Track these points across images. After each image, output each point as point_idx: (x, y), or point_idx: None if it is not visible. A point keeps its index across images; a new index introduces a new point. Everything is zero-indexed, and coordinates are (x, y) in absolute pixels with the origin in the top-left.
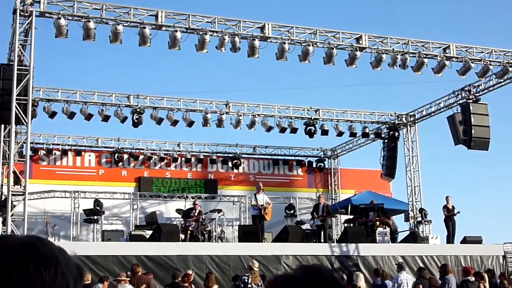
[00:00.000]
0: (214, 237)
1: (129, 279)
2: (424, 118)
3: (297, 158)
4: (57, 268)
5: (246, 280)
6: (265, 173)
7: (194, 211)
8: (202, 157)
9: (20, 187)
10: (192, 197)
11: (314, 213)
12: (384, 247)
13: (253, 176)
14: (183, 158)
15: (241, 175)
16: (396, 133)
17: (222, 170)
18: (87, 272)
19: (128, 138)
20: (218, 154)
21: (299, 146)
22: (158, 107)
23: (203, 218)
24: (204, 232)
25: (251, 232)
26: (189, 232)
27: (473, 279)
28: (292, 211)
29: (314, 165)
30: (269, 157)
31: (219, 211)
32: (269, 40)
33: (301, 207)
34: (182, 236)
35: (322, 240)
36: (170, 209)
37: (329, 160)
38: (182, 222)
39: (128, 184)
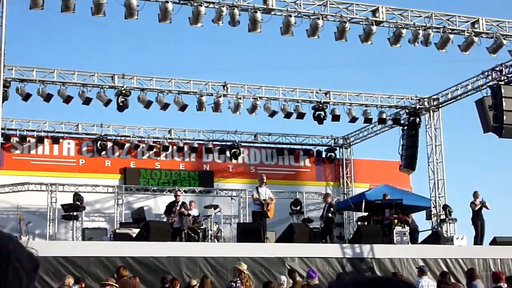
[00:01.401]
0: (209, 236)
1: (116, 285)
2: (449, 102)
3: (304, 147)
4: (8, 265)
5: (235, 286)
6: (267, 164)
7: (176, 203)
8: (196, 145)
9: None
10: (182, 190)
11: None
12: (402, 248)
13: (254, 167)
14: (174, 147)
15: (241, 166)
16: (417, 119)
17: (219, 160)
18: (69, 276)
19: (112, 124)
20: (214, 142)
21: (307, 133)
22: (146, 88)
23: (187, 213)
24: (199, 231)
25: (251, 231)
26: (183, 232)
27: (505, 285)
28: (298, 207)
29: (323, 155)
30: (273, 145)
31: (216, 207)
32: (272, 13)
33: (308, 202)
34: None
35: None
36: (159, 205)
37: (341, 149)
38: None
39: (112, 175)
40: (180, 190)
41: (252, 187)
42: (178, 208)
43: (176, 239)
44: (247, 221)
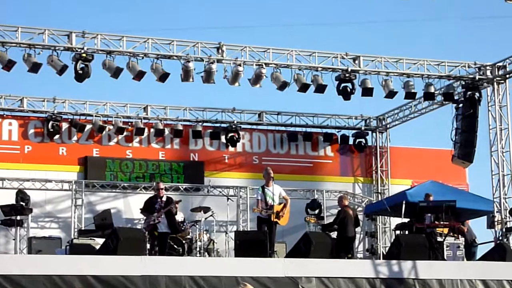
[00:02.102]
0: (198, 249)
1: None
2: None
3: (325, 130)
4: None
5: None
6: (276, 153)
7: (158, 199)
8: (180, 127)
9: None
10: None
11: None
12: (455, 266)
13: (258, 157)
14: (152, 130)
15: (240, 155)
16: (477, 94)
17: (211, 148)
18: None
19: (69, 99)
20: (205, 124)
21: (329, 112)
22: (114, 51)
23: (175, 209)
24: (184, 242)
25: (254, 242)
26: (155, 233)
27: None
28: (316, 211)
29: (350, 142)
30: (283, 128)
31: (206, 209)
32: None
33: (330, 205)
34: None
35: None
36: (132, 206)
37: (374, 134)
38: (143, 222)
39: (68, 167)
40: (162, 182)
41: (255, 183)
42: (163, 204)
43: (164, 249)
44: (249, 229)
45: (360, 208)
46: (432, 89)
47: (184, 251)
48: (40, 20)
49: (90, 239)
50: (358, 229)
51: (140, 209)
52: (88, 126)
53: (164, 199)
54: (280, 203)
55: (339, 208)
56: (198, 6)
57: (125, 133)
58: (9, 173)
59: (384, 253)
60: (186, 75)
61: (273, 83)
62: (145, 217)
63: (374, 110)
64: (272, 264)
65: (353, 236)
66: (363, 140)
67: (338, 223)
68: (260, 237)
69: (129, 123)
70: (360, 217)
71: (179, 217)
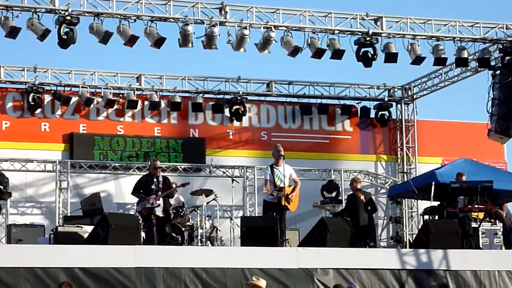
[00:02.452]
0: (199, 237)
1: None
2: None
3: (343, 102)
4: None
5: None
6: (287, 127)
7: (154, 179)
8: (178, 100)
9: None
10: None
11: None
12: (493, 256)
13: (267, 133)
14: (146, 102)
15: (247, 131)
16: None
17: (214, 122)
18: None
19: (52, 68)
20: (206, 96)
21: (347, 81)
22: (102, 13)
23: (174, 189)
24: (183, 229)
25: (263, 229)
26: (153, 219)
27: None
28: (334, 194)
29: (372, 115)
30: (295, 100)
31: (209, 192)
32: None
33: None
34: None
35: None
36: (124, 189)
37: (399, 106)
38: (136, 210)
39: (52, 146)
40: (158, 161)
41: (263, 163)
42: (160, 185)
43: (164, 237)
44: (256, 215)
45: (383, 190)
46: (465, 54)
47: (183, 240)
48: None
49: (77, 226)
50: (381, 214)
51: (133, 189)
52: (74, 99)
53: (161, 179)
54: (289, 186)
55: (349, 193)
56: None
57: (115, 106)
58: None
59: (411, 241)
60: (185, 40)
61: (283, 49)
62: (138, 199)
63: (398, 78)
64: (283, 254)
65: (366, 224)
66: (387, 113)
67: (348, 210)
68: (270, 223)
69: (120, 95)
70: (383, 200)
71: (177, 201)
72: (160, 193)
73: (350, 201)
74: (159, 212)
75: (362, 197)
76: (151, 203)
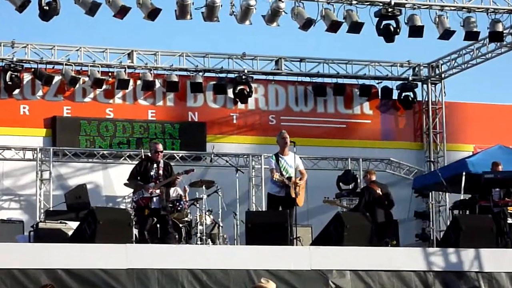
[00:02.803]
0: (199, 234)
1: None
2: None
3: (362, 81)
4: None
5: None
6: (298, 111)
7: (154, 165)
8: (175, 79)
9: None
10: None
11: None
12: None
13: (276, 116)
14: (139, 82)
15: (253, 114)
16: None
17: (215, 105)
18: None
19: (32, 43)
20: (207, 74)
21: (367, 58)
22: None
23: (177, 177)
24: (180, 225)
25: (271, 226)
26: (147, 215)
27: None
28: (351, 186)
29: (395, 96)
30: (307, 79)
31: (209, 184)
32: None
33: None
34: (136, 231)
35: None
36: (113, 180)
37: (425, 86)
38: (132, 200)
39: (32, 131)
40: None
41: (271, 150)
42: (161, 171)
43: (167, 232)
44: (263, 210)
45: (407, 182)
46: (499, 27)
47: (181, 237)
48: None
49: (61, 222)
50: (404, 209)
51: (130, 176)
52: (57, 78)
53: (161, 165)
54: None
55: (363, 186)
56: None
57: (104, 87)
58: None
59: (439, 239)
60: (182, 11)
61: (294, 21)
62: (135, 188)
63: (424, 55)
64: (294, 253)
65: (383, 221)
66: (411, 94)
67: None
68: (279, 219)
69: (110, 74)
70: (407, 193)
71: (174, 193)
72: (161, 181)
73: (365, 195)
74: (156, 203)
75: (379, 190)
76: (150, 192)
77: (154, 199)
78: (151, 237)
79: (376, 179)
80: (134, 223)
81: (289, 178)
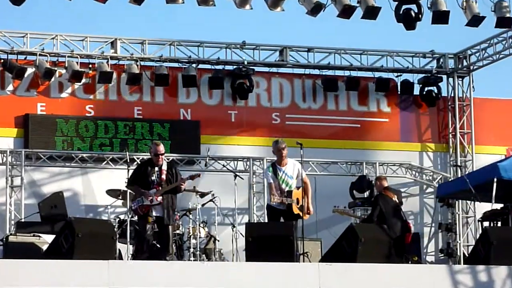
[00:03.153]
0: (192, 249)
1: None
2: None
3: (378, 74)
4: None
5: None
6: (306, 108)
7: (154, 168)
8: (165, 71)
9: None
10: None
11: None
12: None
13: (280, 114)
14: (123, 75)
15: (253, 111)
16: None
17: (211, 101)
18: None
19: (2, 30)
20: (202, 66)
21: (384, 48)
22: None
23: (180, 183)
24: (171, 240)
25: (274, 240)
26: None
27: None
28: (366, 194)
29: (416, 91)
30: (316, 72)
31: (204, 192)
32: None
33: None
34: (121, 247)
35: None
36: (94, 187)
37: (451, 79)
38: (133, 203)
39: (1, 131)
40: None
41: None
42: (163, 175)
43: (167, 245)
44: (265, 221)
45: (430, 189)
46: None
47: (172, 254)
48: None
49: (34, 235)
50: (427, 221)
51: (128, 181)
52: (30, 70)
53: (164, 167)
54: (297, 188)
55: (375, 194)
56: None
57: (83, 80)
58: None
59: (466, 254)
60: None
61: (301, 5)
62: (133, 195)
63: (450, 44)
64: (301, 271)
65: (401, 234)
66: (435, 89)
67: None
68: (283, 232)
69: (90, 65)
70: (431, 202)
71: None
72: (165, 186)
73: (380, 203)
74: (158, 212)
75: (395, 198)
76: (150, 200)
77: (156, 207)
78: (150, 249)
79: (389, 186)
80: (117, 236)
81: (290, 193)
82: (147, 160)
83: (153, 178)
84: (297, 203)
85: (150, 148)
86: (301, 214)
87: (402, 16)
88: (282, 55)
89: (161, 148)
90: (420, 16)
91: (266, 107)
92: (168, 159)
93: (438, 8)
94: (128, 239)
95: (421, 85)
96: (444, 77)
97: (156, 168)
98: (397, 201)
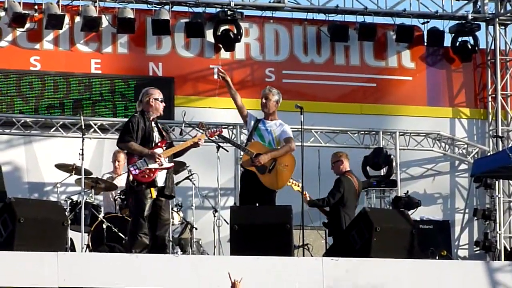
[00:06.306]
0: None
1: None
2: None
3: (399, 21)
4: None
5: None
6: (307, 62)
7: (153, 123)
8: (131, 15)
9: None
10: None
11: None
12: None
13: (276, 70)
14: (77, 18)
15: (242, 66)
16: None
17: (188, 53)
18: None
19: None
20: (176, 9)
21: None
22: None
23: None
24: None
25: (266, 228)
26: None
27: None
28: (383, 171)
29: (447, 43)
30: (321, 17)
31: (179, 167)
32: None
33: (408, 159)
34: (74, 235)
35: None
36: (40, 161)
37: (491, 28)
38: (131, 169)
39: None
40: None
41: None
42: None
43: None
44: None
45: (463, 166)
46: None
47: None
48: None
49: None
50: (459, 205)
51: (121, 137)
52: None
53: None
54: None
55: (338, 176)
56: None
57: (28, 25)
58: None
59: (509, 248)
60: None
61: None
62: (128, 156)
63: None
64: (300, 267)
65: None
66: (471, 40)
67: (333, 205)
68: (278, 218)
69: (36, 7)
70: (464, 182)
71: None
72: (166, 146)
73: (344, 187)
74: (160, 181)
75: (357, 186)
76: (159, 162)
77: (160, 175)
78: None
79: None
80: (69, 222)
81: (257, 156)
82: (140, 113)
83: (155, 133)
84: (268, 170)
85: (142, 95)
86: (261, 178)
87: None
88: None
89: (157, 93)
90: None
91: (258, 61)
92: None
93: None
94: (83, 226)
95: (453, 35)
96: (483, 24)
97: (153, 124)
98: (358, 191)
